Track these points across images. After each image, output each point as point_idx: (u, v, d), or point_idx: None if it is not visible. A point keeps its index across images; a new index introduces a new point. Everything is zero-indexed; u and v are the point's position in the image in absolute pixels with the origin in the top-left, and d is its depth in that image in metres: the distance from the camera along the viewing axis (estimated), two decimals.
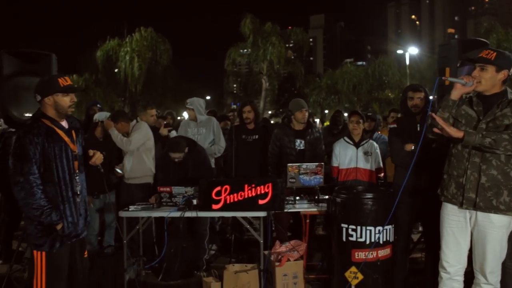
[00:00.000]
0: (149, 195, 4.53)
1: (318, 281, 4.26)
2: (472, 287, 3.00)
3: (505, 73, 2.81)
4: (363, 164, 4.58)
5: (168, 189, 4.22)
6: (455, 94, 2.85)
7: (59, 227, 2.74)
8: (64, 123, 2.88)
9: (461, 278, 3.00)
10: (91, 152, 3.06)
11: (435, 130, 2.83)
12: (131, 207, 4.20)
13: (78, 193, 2.88)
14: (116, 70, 25.83)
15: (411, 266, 4.30)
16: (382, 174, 4.82)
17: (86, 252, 3.07)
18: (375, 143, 4.74)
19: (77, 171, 2.89)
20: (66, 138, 2.83)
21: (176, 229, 4.34)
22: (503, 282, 3.31)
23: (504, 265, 3.30)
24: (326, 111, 30.64)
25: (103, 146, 4.90)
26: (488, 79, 2.80)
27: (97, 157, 3.06)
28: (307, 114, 4.87)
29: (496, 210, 2.78)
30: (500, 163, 2.77)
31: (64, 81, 2.80)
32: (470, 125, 2.86)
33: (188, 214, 4.02)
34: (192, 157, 4.64)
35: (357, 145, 4.63)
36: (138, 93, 25.53)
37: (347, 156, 4.62)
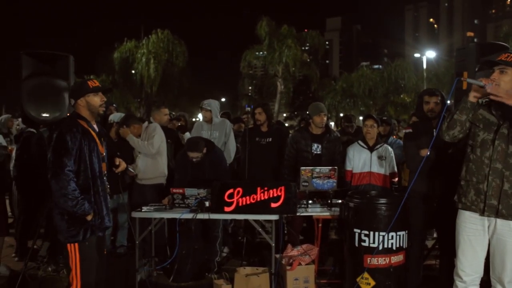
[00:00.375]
0: (162, 196, 4.56)
1: (329, 286, 4.23)
2: None
3: None
4: (377, 168, 4.53)
5: (181, 190, 4.24)
6: (472, 96, 2.78)
7: (89, 217, 2.93)
8: (96, 126, 3.12)
9: None
10: (117, 161, 3.31)
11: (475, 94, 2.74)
12: (144, 208, 4.23)
13: (108, 190, 3.12)
14: (132, 72, 26.11)
15: (424, 273, 4.24)
16: (397, 179, 4.75)
17: (105, 250, 3.24)
18: (389, 148, 4.69)
19: (105, 172, 3.11)
20: (97, 140, 3.06)
21: (188, 230, 4.35)
22: None
23: None
24: (341, 115, 30.44)
25: (117, 146, 4.97)
26: (508, 82, 2.74)
27: (122, 167, 3.33)
28: (325, 118, 4.83)
29: None
30: None
31: (93, 82, 3.09)
32: (489, 129, 2.79)
33: (200, 216, 4.03)
34: (209, 158, 4.67)
35: (371, 149, 4.59)
36: (154, 94, 25.74)
37: (361, 160, 4.58)
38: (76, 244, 2.92)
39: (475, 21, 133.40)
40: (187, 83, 27.50)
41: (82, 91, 3.03)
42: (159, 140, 4.99)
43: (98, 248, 3.07)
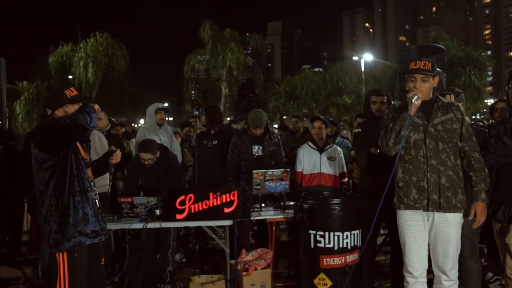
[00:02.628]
0: (106, 205, 4.31)
1: None
2: (433, 286, 3.07)
3: (437, 79, 2.99)
4: (327, 169, 4.57)
5: (129, 199, 4.04)
6: (414, 111, 2.91)
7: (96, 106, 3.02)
8: None
9: (425, 280, 3.07)
10: (113, 147, 3.21)
11: None
12: None
13: (96, 196, 3.01)
14: (70, 77, 24.86)
15: (375, 269, 4.34)
16: (346, 179, 4.83)
17: (102, 260, 3.10)
18: (339, 148, 4.76)
19: (91, 177, 3.00)
20: (79, 146, 2.94)
21: (138, 241, 4.16)
22: (463, 280, 3.42)
23: (464, 264, 3.41)
24: (285, 117, 30.87)
25: None
26: (428, 88, 2.95)
27: (117, 154, 3.18)
28: (262, 131, 4.73)
29: (454, 209, 2.89)
30: (452, 164, 2.90)
31: (71, 92, 2.95)
32: (418, 130, 2.94)
33: (151, 225, 3.86)
34: (163, 163, 4.51)
35: (321, 150, 4.63)
36: (93, 99, 24.63)
37: (311, 161, 4.60)
38: (65, 254, 2.78)
39: (406, 26, 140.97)
40: (128, 87, 26.65)
41: (60, 102, 2.90)
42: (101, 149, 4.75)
43: (91, 256, 2.92)
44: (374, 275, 4.06)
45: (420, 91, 2.89)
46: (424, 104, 2.93)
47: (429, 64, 2.92)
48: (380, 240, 5.33)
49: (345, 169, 4.72)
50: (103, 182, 4.74)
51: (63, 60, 24.31)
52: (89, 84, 23.96)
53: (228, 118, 35.98)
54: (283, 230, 6.44)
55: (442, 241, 2.94)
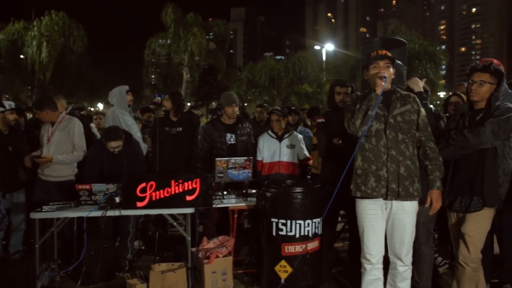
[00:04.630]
0: (71, 194, 4.15)
1: (246, 276, 4.23)
2: (389, 272, 3.19)
3: (393, 71, 3.08)
4: (286, 157, 4.58)
5: (87, 186, 3.91)
6: (379, 90, 2.98)
7: None
8: None
9: (381, 266, 3.18)
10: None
11: None
12: (45, 207, 3.81)
13: None
14: (21, 56, 23.61)
15: (334, 256, 4.46)
16: (311, 162, 4.81)
17: None
18: (299, 135, 4.76)
19: None
20: None
21: (97, 229, 4.06)
22: (416, 265, 3.57)
23: (419, 250, 3.56)
24: (246, 104, 30.85)
25: (8, 140, 4.45)
26: (391, 75, 3.04)
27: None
28: (237, 109, 4.79)
29: (411, 197, 3.00)
30: (410, 154, 3.00)
31: None
32: (380, 120, 3.02)
33: (111, 213, 3.76)
34: (127, 150, 4.40)
35: (280, 138, 4.63)
36: (47, 81, 23.52)
37: (271, 150, 4.61)
38: None
39: (367, 18, 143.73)
40: (86, 70, 25.65)
41: None
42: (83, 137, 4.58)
43: None
44: (332, 261, 4.16)
45: (385, 76, 2.96)
46: (383, 95, 3.00)
47: (389, 54, 3.02)
48: (339, 227, 5.47)
49: (307, 154, 4.70)
50: (69, 172, 4.57)
51: (14, 38, 23.05)
52: (42, 65, 22.84)
53: (189, 104, 35.54)
54: (245, 218, 6.47)
55: (399, 229, 3.05)
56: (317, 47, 35.63)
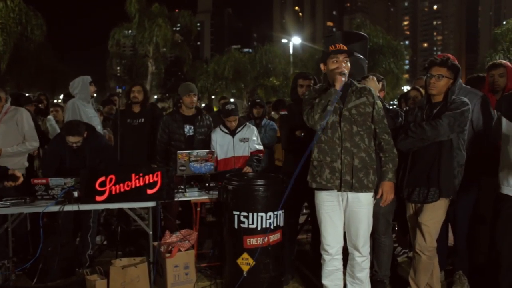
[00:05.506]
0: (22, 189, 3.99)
1: (210, 269, 4.21)
2: (348, 262, 3.26)
3: (349, 65, 3.12)
4: (241, 151, 4.50)
5: (43, 181, 3.78)
6: (339, 86, 3.01)
7: None
8: None
9: (340, 257, 3.24)
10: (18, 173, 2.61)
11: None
12: None
13: None
14: None
15: (297, 248, 4.50)
16: (262, 154, 4.63)
17: None
18: (251, 126, 4.67)
19: None
20: None
21: (54, 224, 3.93)
22: (376, 254, 3.67)
23: (378, 240, 3.65)
24: (213, 97, 30.61)
25: None
26: (348, 68, 3.09)
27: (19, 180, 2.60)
28: (195, 98, 4.71)
29: (366, 189, 3.06)
30: (366, 146, 3.05)
31: None
32: (335, 112, 3.05)
33: (68, 208, 3.65)
34: (89, 143, 4.27)
35: (232, 133, 4.54)
36: (3, 72, 22.36)
37: (224, 146, 4.51)
38: None
39: (334, 12, 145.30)
40: (46, 60, 24.63)
41: None
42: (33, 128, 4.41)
43: None
44: (295, 253, 4.20)
45: (345, 69, 3.01)
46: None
47: (346, 48, 3.06)
48: (302, 219, 5.53)
49: (259, 147, 4.58)
50: (18, 166, 4.38)
51: None
52: None
53: (156, 96, 34.97)
54: (209, 211, 6.44)
55: (355, 221, 3.11)
56: (284, 40, 35.71)
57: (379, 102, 3.16)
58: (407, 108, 4.30)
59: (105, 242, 5.17)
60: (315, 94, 3.13)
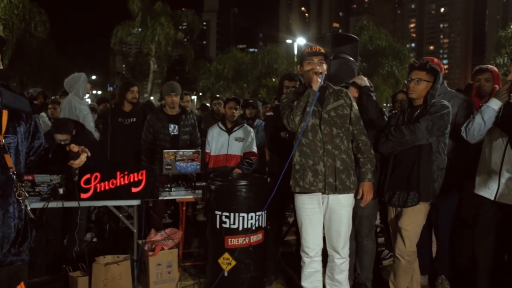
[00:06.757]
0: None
1: (194, 268, 4.23)
2: (328, 264, 3.27)
3: (326, 67, 3.14)
4: (234, 150, 4.55)
5: (30, 177, 3.80)
6: (316, 86, 3.02)
7: None
8: None
9: (319, 258, 3.25)
10: (75, 147, 2.14)
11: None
12: None
13: (23, 195, 2.01)
14: None
15: (283, 250, 4.51)
16: (254, 158, 4.65)
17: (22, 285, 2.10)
18: (249, 128, 4.72)
19: (11, 167, 1.97)
20: None
21: (39, 220, 3.96)
22: (359, 257, 3.67)
23: (361, 243, 3.65)
24: (218, 96, 30.52)
25: None
26: (325, 70, 3.10)
27: (82, 159, 2.16)
28: (176, 98, 4.70)
29: (348, 190, 3.07)
30: (345, 148, 3.07)
31: None
32: (315, 115, 3.06)
33: (53, 204, 3.67)
34: (79, 141, 4.29)
35: (229, 131, 4.59)
36: (5, 68, 22.50)
37: (219, 143, 4.57)
38: None
39: (340, 14, 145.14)
40: (49, 57, 24.77)
41: None
42: None
43: None
44: (279, 254, 4.21)
45: (321, 72, 3.02)
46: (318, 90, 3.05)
47: (323, 50, 3.08)
48: (291, 220, 5.54)
49: (253, 149, 4.62)
50: None
51: None
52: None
53: (159, 95, 35.02)
54: (200, 210, 6.46)
55: (335, 222, 3.12)
56: (288, 41, 35.63)
57: (355, 104, 3.17)
58: (394, 111, 4.31)
59: (94, 239, 5.20)
60: (293, 97, 3.14)
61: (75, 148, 2.15)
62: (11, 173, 1.96)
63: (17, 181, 1.99)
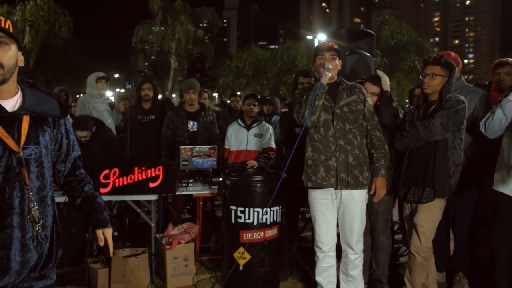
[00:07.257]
0: None
1: (211, 262, 4.29)
2: (342, 260, 3.27)
3: (341, 63, 3.15)
4: (252, 146, 4.59)
5: None
6: (326, 80, 3.03)
7: None
8: (8, 102, 1.74)
9: (333, 253, 3.27)
10: (102, 241, 1.97)
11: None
12: None
13: (34, 214, 1.75)
14: None
15: (299, 245, 4.53)
16: (273, 153, 4.66)
17: None
18: (267, 124, 4.75)
19: (27, 183, 1.73)
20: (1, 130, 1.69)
21: (61, 214, 4.08)
22: (374, 252, 3.66)
23: (377, 239, 3.64)
24: (239, 93, 30.60)
25: None
26: (336, 66, 3.10)
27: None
28: (194, 96, 4.75)
29: (361, 185, 3.07)
30: (359, 143, 3.07)
31: None
32: (327, 111, 3.07)
33: None
34: (98, 138, 4.43)
35: (248, 127, 4.64)
36: (31, 68, 23.09)
37: (238, 138, 4.62)
38: None
39: (362, 9, 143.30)
40: (73, 56, 25.31)
41: None
42: None
43: None
44: (295, 249, 4.23)
45: (330, 68, 3.02)
46: (330, 86, 3.05)
47: (336, 45, 3.09)
48: (309, 216, 5.54)
49: (272, 144, 4.63)
50: None
51: None
52: (25, 50, 22.46)
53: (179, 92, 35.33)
54: (219, 206, 6.52)
55: (349, 218, 3.12)
56: (309, 37, 35.36)
57: (369, 99, 3.16)
58: (411, 107, 4.26)
59: (115, 233, 5.32)
60: (304, 92, 3.15)
61: (102, 242, 1.97)
62: (27, 191, 1.73)
63: (32, 200, 1.73)
